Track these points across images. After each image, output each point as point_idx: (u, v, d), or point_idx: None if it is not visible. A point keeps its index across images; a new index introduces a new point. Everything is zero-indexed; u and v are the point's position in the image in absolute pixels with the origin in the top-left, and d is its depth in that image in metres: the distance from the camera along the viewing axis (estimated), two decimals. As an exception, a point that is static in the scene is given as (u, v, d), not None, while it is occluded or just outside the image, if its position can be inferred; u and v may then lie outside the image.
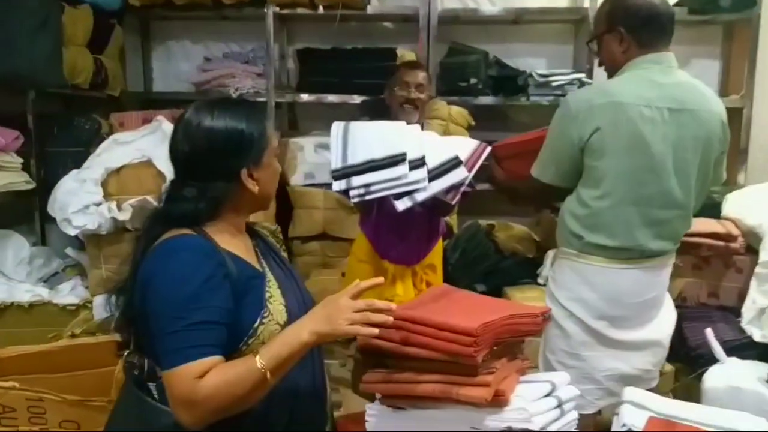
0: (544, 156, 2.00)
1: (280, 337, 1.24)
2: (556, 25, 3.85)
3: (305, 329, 1.22)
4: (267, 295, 1.33)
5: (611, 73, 2.00)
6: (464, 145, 2.23)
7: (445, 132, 3.21)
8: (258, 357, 1.19)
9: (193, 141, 1.30)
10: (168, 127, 2.93)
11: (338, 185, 2.00)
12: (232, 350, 1.24)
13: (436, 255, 2.69)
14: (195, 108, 1.33)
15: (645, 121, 1.84)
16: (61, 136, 3.16)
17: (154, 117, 3.00)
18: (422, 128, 2.58)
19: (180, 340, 1.18)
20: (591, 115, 1.87)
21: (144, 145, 2.87)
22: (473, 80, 3.52)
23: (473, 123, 3.44)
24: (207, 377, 1.17)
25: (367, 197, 1.99)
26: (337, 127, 2.14)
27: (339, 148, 2.04)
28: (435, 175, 2.04)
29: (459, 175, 2.06)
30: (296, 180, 3.35)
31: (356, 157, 1.99)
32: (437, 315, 1.27)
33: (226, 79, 3.65)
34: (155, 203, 2.62)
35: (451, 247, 3.15)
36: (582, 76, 3.45)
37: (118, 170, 2.78)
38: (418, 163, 2.00)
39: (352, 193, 1.99)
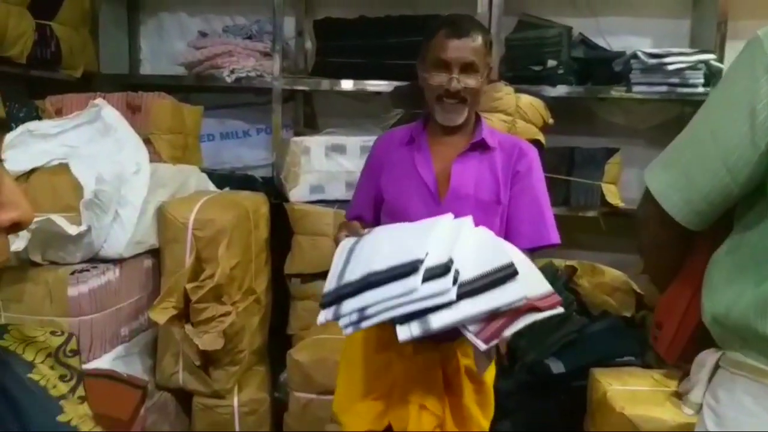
0: (677, 155, 1.04)
1: None
2: (668, -8, 2.90)
3: None
4: None
5: None
6: (532, 278, 1.33)
7: (510, 131, 2.23)
8: None
9: None
10: (110, 113, 2.07)
11: (324, 315, 1.32)
12: None
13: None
14: None
15: None
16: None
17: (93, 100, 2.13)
18: (478, 123, 1.58)
19: None
20: None
21: (74, 139, 2.02)
22: (551, 63, 2.60)
23: (551, 121, 2.45)
24: None
25: (363, 325, 1.28)
26: (346, 243, 1.44)
27: (339, 266, 1.38)
28: (471, 290, 1.23)
29: (512, 294, 1.21)
30: (298, 194, 2.43)
31: (354, 273, 1.32)
32: None
33: (221, 58, 2.84)
34: (65, 226, 1.76)
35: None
36: (711, 57, 2.43)
37: (28, 175, 1.92)
38: (438, 272, 1.22)
39: (342, 322, 1.29)
